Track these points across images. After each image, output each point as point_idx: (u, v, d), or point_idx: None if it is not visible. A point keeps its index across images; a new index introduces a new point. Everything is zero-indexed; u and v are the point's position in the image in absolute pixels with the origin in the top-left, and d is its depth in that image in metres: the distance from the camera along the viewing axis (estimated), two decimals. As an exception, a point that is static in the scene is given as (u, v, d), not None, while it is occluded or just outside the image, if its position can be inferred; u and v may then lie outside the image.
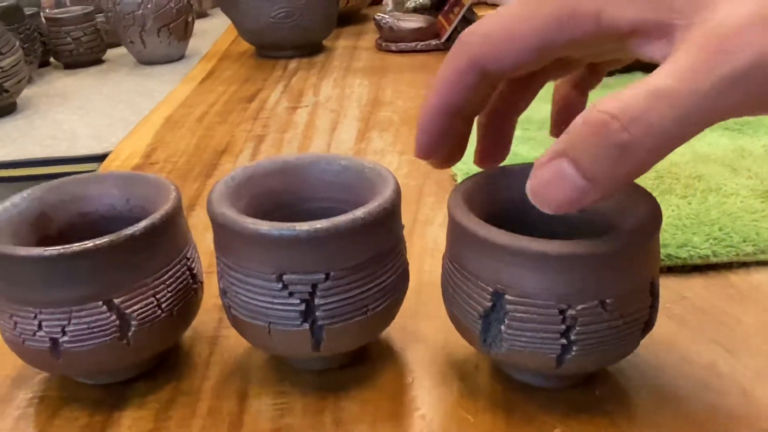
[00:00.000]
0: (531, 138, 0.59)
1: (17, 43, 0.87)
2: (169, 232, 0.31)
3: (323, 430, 0.30)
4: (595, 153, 0.21)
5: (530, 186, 0.23)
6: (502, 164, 0.34)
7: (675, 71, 0.20)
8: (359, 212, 0.29)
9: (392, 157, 0.60)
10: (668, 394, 0.30)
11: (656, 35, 0.22)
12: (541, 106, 0.66)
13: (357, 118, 0.70)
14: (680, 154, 0.54)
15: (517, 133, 0.62)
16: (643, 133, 0.20)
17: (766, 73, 0.20)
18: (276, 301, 0.29)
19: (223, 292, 0.31)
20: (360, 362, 0.34)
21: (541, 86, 0.31)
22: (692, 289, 0.38)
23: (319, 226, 0.28)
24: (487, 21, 0.25)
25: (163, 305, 0.31)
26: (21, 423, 0.31)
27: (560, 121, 0.33)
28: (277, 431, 0.30)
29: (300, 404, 0.31)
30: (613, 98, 0.21)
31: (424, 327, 0.36)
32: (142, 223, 0.30)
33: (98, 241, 0.28)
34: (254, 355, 0.35)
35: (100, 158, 0.71)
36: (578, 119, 0.21)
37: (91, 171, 0.72)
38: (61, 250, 0.28)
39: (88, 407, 0.32)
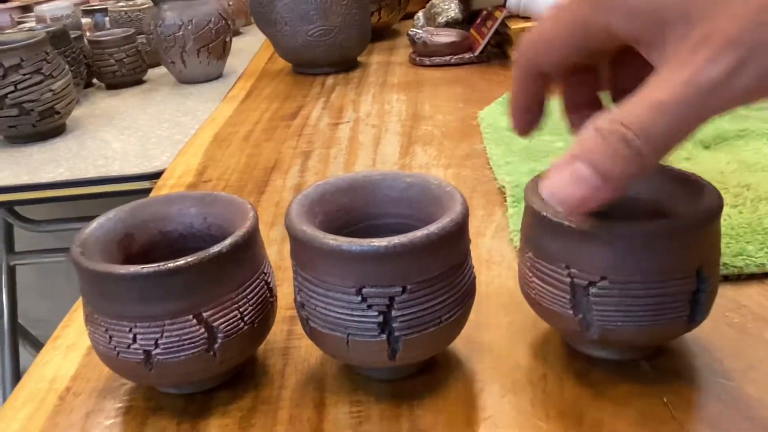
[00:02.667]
0: (575, 150, 0.60)
1: (66, 66, 0.91)
2: (250, 249, 0.33)
3: (402, 437, 0.31)
4: (613, 155, 0.24)
5: (547, 187, 0.26)
6: None
7: (667, 84, 0.24)
8: (433, 228, 0.30)
9: (437, 171, 0.61)
10: (737, 400, 0.31)
11: (653, 46, 0.26)
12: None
13: (398, 133, 0.72)
14: (726, 163, 0.54)
15: (560, 144, 0.63)
16: (650, 140, 0.24)
17: (742, 80, 0.23)
18: (355, 313, 0.31)
19: (301, 305, 0.33)
20: (429, 371, 0.35)
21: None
22: (750, 297, 0.39)
23: (396, 241, 0.29)
24: (533, 32, 0.30)
25: (246, 318, 0.33)
26: (113, 431, 0.33)
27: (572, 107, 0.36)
28: (357, 438, 0.31)
29: (376, 412, 0.33)
30: (622, 110, 0.24)
31: (487, 337, 0.37)
32: (228, 241, 0.31)
33: (190, 259, 0.30)
34: (326, 365, 0.36)
35: (153, 177, 0.74)
36: (590, 129, 0.25)
37: (144, 189, 0.74)
38: (157, 268, 0.30)
39: (176, 416, 0.33)
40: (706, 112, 0.23)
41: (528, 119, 0.33)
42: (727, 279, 0.40)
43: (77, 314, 0.43)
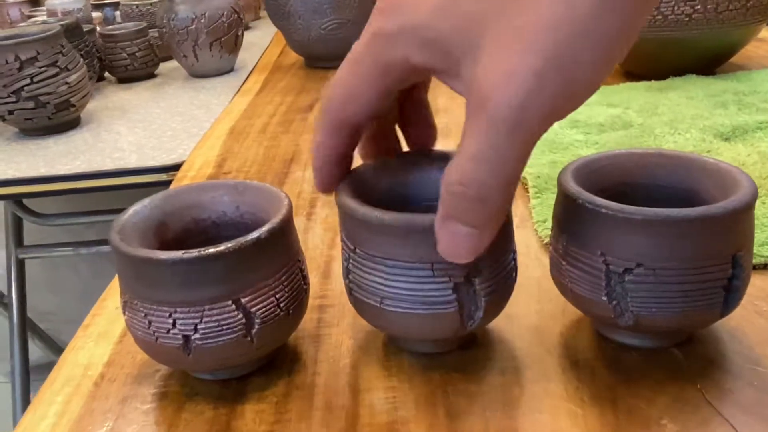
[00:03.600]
0: (594, 142, 0.60)
1: (81, 59, 0.91)
2: (286, 236, 0.33)
3: (437, 422, 0.31)
4: (468, 210, 0.26)
5: (442, 250, 0.28)
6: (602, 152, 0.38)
7: (473, 131, 0.25)
8: None
9: (458, 163, 0.61)
10: (769, 386, 0.32)
11: (452, 76, 0.27)
12: (598, 110, 0.67)
13: (416, 126, 0.72)
14: (747, 155, 0.54)
15: (579, 137, 0.64)
16: (485, 188, 0.25)
17: (525, 117, 0.24)
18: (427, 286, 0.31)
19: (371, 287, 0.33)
20: (463, 359, 0.35)
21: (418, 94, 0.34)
22: (778, 286, 0.39)
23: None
24: (333, 84, 0.30)
25: (282, 304, 0.33)
26: (150, 416, 0.33)
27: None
28: (394, 423, 0.32)
29: (411, 397, 0.33)
30: (454, 170, 0.26)
31: (517, 326, 0.38)
32: (266, 227, 0.32)
33: (230, 245, 0.30)
34: (358, 352, 0.37)
35: (170, 169, 0.74)
36: (443, 191, 0.27)
37: (162, 181, 0.75)
38: (199, 254, 0.30)
39: (212, 401, 0.34)
40: (517, 146, 0.24)
41: (336, 174, 0.33)
42: (755, 268, 0.41)
43: (107, 302, 0.43)
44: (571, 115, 0.72)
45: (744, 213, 0.30)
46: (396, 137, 0.36)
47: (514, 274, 0.34)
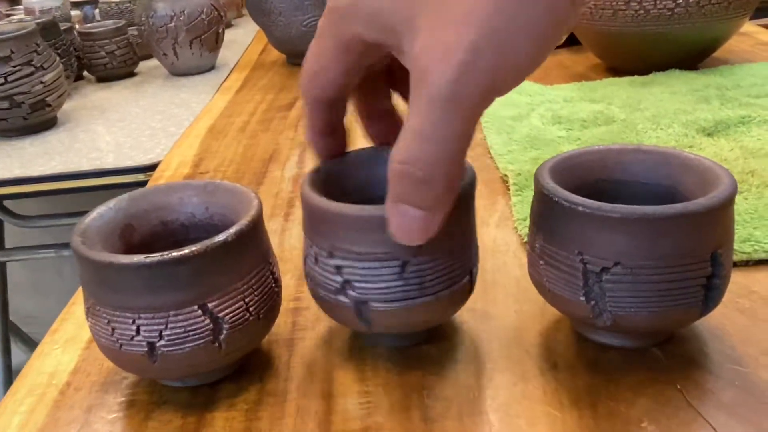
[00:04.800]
0: (576, 138, 0.59)
1: (57, 58, 0.89)
2: (255, 238, 0.32)
3: (413, 427, 0.30)
4: (415, 190, 0.26)
5: (393, 232, 0.28)
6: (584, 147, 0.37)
7: (416, 108, 0.24)
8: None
9: (439, 161, 0.60)
10: (752, 386, 0.31)
11: (398, 52, 0.26)
12: (581, 106, 0.67)
13: (397, 123, 0.71)
14: (729, 150, 0.54)
15: (561, 133, 0.63)
16: (429, 166, 0.25)
17: (462, 92, 0.24)
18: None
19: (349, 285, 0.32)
20: (438, 361, 0.35)
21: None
22: (760, 282, 0.38)
23: None
24: (304, 62, 0.30)
25: (251, 308, 0.32)
26: (116, 426, 0.32)
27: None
28: (368, 429, 0.31)
29: (386, 402, 0.32)
30: (398, 148, 0.25)
31: (496, 326, 0.37)
32: (233, 229, 0.31)
33: (195, 247, 0.29)
34: (332, 356, 0.36)
35: (148, 169, 0.73)
36: (389, 171, 0.26)
37: (139, 181, 0.73)
38: (162, 257, 0.29)
39: (180, 409, 0.33)
40: (458, 122, 0.24)
41: (332, 143, 0.33)
42: (736, 265, 0.40)
43: (75, 307, 0.42)
44: (553, 111, 0.71)
45: (723, 210, 0.30)
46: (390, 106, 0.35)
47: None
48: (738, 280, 0.38)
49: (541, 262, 0.33)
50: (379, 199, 0.37)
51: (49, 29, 0.97)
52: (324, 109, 0.31)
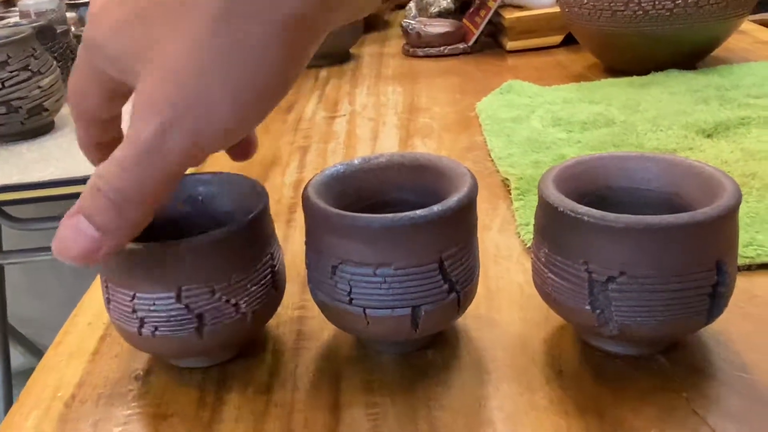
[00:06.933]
0: (577, 141, 0.59)
1: (54, 62, 0.89)
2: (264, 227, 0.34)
3: (420, 439, 0.31)
4: (101, 210, 0.25)
5: (54, 244, 0.26)
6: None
7: (126, 142, 0.25)
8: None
9: (439, 164, 0.60)
10: (758, 394, 0.31)
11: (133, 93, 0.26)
12: (580, 107, 0.67)
13: (396, 126, 0.71)
14: (729, 152, 0.54)
15: (561, 135, 0.63)
16: (119, 193, 0.25)
17: (175, 141, 0.24)
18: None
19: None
20: (445, 370, 0.35)
21: None
22: (763, 287, 0.39)
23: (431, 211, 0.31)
24: (70, 77, 0.30)
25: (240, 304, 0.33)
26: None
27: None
28: (375, 440, 0.31)
29: (392, 413, 0.32)
30: (104, 166, 0.25)
31: (500, 334, 0.37)
32: (250, 216, 0.33)
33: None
34: (338, 366, 0.36)
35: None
36: (87, 182, 0.26)
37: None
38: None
39: (187, 422, 0.33)
40: (157, 170, 0.24)
41: (106, 155, 0.32)
42: (738, 269, 0.40)
43: (78, 319, 0.42)
44: (553, 113, 0.71)
45: (727, 219, 0.30)
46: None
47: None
48: (740, 284, 0.38)
49: (546, 270, 0.33)
50: (392, 202, 0.37)
51: (45, 33, 0.96)
52: (90, 126, 0.31)
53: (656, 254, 0.29)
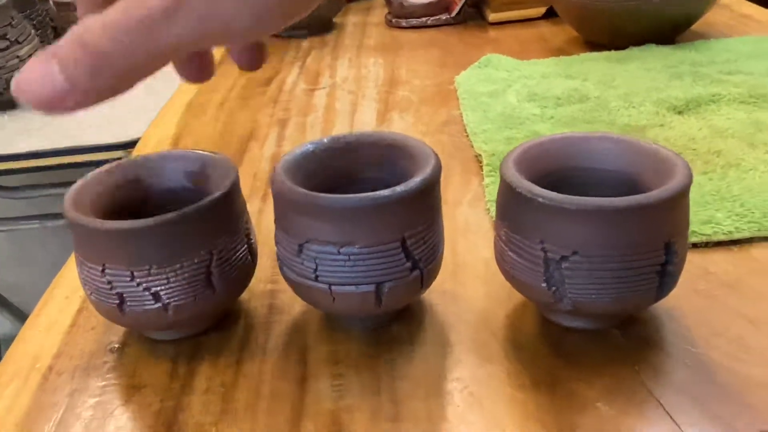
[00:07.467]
0: (550, 117, 0.60)
1: (32, 31, 0.88)
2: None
3: (381, 408, 0.32)
4: (78, 62, 0.23)
5: (16, 80, 0.24)
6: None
7: (122, 6, 0.23)
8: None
9: (416, 139, 0.61)
10: (702, 368, 0.33)
11: None
12: (557, 82, 0.67)
13: (375, 99, 0.72)
14: (698, 129, 0.55)
15: (535, 111, 0.64)
16: (101, 55, 0.23)
17: (183, 18, 0.23)
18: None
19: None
20: (408, 342, 0.36)
21: None
22: (717, 264, 0.40)
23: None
24: None
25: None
26: (98, 410, 0.34)
27: None
28: (339, 411, 0.32)
29: (356, 384, 0.34)
30: (94, 20, 0.24)
31: (464, 308, 0.38)
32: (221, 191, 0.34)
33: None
34: (306, 339, 0.37)
35: (127, 146, 0.73)
36: (71, 29, 0.24)
37: (118, 158, 0.73)
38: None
39: (159, 393, 0.34)
40: (153, 45, 0.23)
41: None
42: (696, 246, 0.41)
43: (56, 292, 0.43)
44: (529, 88, 0.72)
45: (677, 201, 0.31)
46: None
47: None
48: (696, 261, 0.40)
49: (506, 249, 0.34)
50: (361, 180, 0.38)
51: (24, 1, 0.95)
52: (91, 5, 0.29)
53: (607, 235, 0.30)
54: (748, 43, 0.73)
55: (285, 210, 0.34)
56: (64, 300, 0.42)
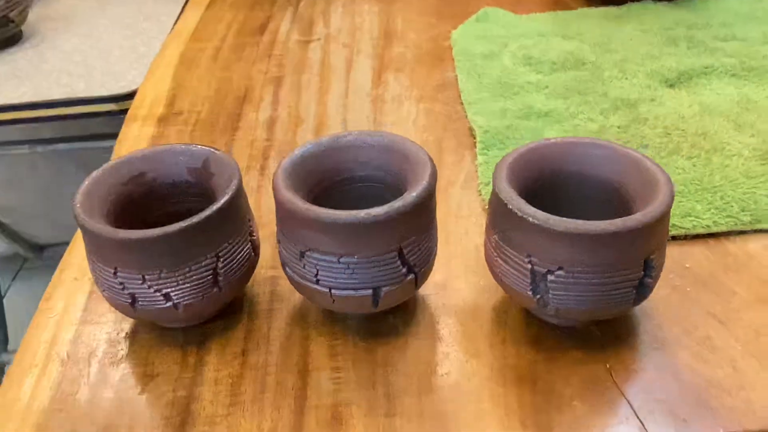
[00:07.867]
0: (545, 85, 0.61)
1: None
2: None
3: (377, 404, 0.35)
4: None
5: None
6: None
7: None
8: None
9: (410, 106, 0.62)
10: (670, 366, 0.36)
11: None
12: (553, 43, 0.67)
13: (370, 56, 0.71)
14: (688, 106, 0.56)
15: (531, 78, 0.65)
16: None
17: None
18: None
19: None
20: (403, 336, 0.39)
21: None
22: (693, 258, 0.42)
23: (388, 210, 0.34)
24: None
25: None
26: (117, 395, 0.36)
27: None
28: (338, 405, 0.35)
29: (353, 378, 0.36)
30: None
31: (454, 300, 0.41)
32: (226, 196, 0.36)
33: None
34: (307, 329, 0.39)
35: (120, 99, 0.73)
36: None
37: (111, 111, 0.73)
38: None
39: (171, 382, 0.37)
40: None
41: None
42: (675, 239, 0.44)
43: (65, 274, 0.45)
44: (526, 49, 0.71)
45: (658, 223, 0.33)
46: None
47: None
48: (674, 255, 0.42)
49: (495, 255, 0.36)
50: (359, 179, 0.40)
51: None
52: None
53: (590, 254, 0.33)
54: (746, 3, 0.73)
55: (286, 218, 0.35)
56: (74, 282, 0.44)
